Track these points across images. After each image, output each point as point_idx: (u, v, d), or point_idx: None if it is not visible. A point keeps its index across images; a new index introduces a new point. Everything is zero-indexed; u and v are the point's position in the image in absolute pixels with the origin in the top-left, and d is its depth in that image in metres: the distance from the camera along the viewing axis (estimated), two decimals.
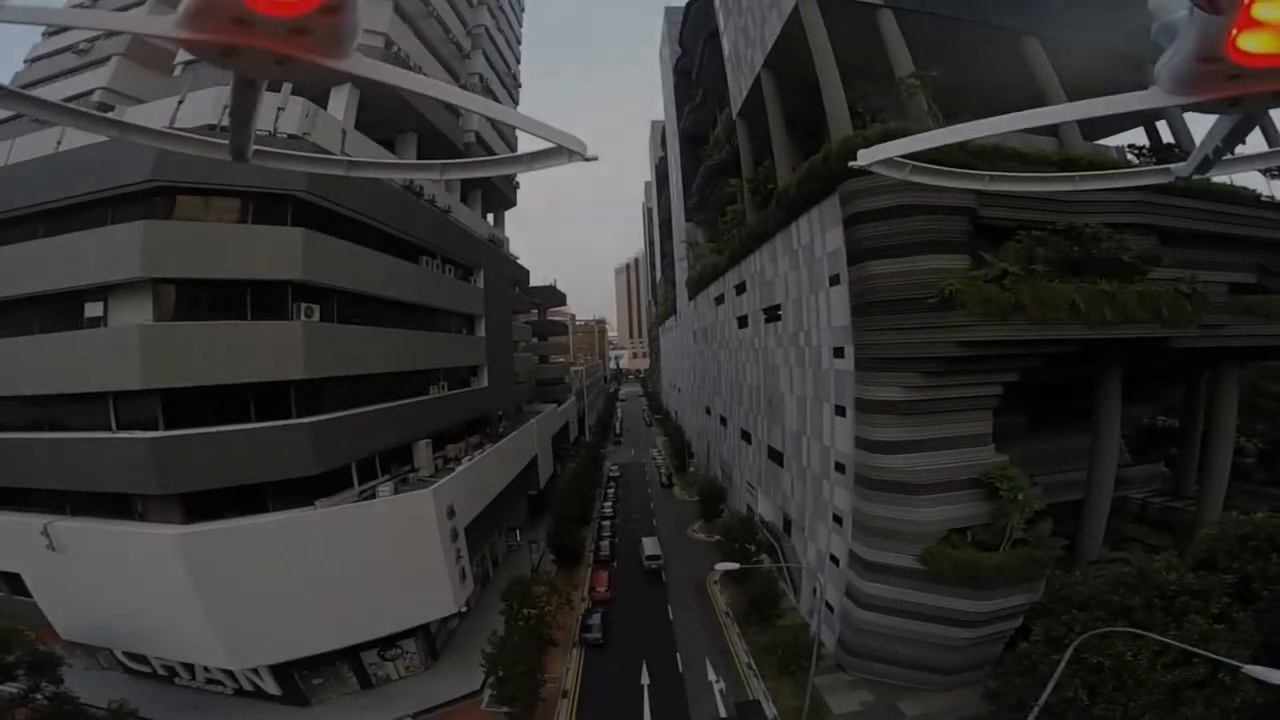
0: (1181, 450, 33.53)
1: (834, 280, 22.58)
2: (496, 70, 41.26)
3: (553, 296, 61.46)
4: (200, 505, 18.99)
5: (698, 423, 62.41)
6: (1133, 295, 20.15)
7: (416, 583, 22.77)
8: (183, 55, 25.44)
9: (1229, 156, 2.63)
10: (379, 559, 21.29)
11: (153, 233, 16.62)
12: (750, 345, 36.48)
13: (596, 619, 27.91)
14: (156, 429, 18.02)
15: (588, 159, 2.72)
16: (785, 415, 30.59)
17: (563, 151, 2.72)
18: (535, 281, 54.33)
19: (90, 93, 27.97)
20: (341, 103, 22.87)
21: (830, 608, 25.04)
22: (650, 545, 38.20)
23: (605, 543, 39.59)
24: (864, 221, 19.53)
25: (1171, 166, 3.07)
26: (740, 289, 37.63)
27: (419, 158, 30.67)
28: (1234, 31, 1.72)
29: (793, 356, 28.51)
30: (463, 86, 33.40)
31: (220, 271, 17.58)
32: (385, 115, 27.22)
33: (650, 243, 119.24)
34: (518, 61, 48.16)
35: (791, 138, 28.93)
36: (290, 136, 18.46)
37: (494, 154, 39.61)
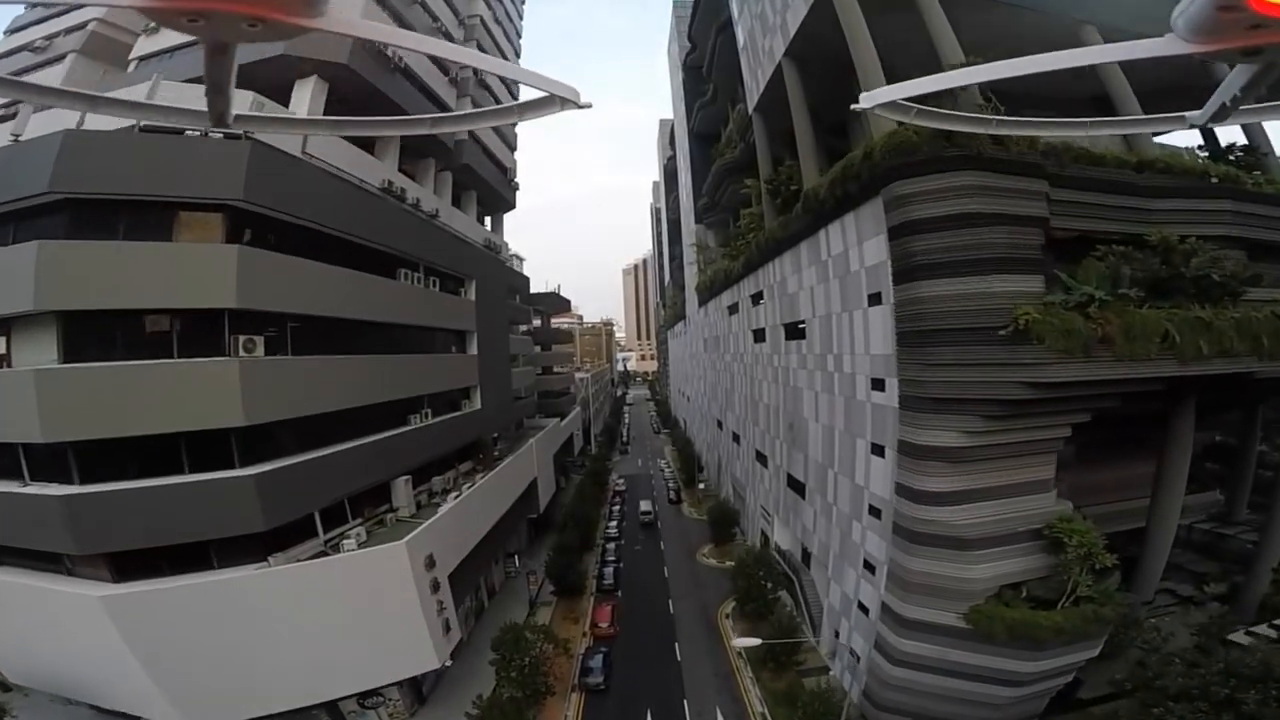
0: (1233, 475, 30.43)
1: (874, 299, 19.42)
2: None
3: (556, 303, 58.54)
4: (132, 560, 16.71)
5: (708, 435, 59.26)
6: (1230, 323, 16.99)
7: (393, 638, 20.27)
8: (137, 50, 22.89)
9: (1247, 106, 2.53)
10: (347, 616, 18.92)
11: (48, 256, 13.80)
12: (768, 362, 33.31)
13: (598, 660, 25.82)
14: (72, 482, 15.34)
15: (581, 106, 2.61)
16: (809, 444, 27.46)
17: (555, 100, 2.65)
18: (539, 285, 51.58)
19: None
20: (306, 96, 20.01)
21: (855, 655, 22.83)
22: (645, 504, 50.18)
23: (609, 569, 37.02)
24: (916, 232, 16.36)
25: (1188, 115, 2.88)
26: (757, 299, 34.47)
27: (404, 156, 27.80)
28: None
29: (819, 381, 25.34)
30: (453, 81, 30.49)
31: (137, 300, 14.78)
32: (363, 111, 24.35)
33: (658, 244, 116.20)
34: (517, 55, 45.27)
35: (815, 134, 25.79)
36: (227, 136, 15.57)
37: (488, 149, 36.83)
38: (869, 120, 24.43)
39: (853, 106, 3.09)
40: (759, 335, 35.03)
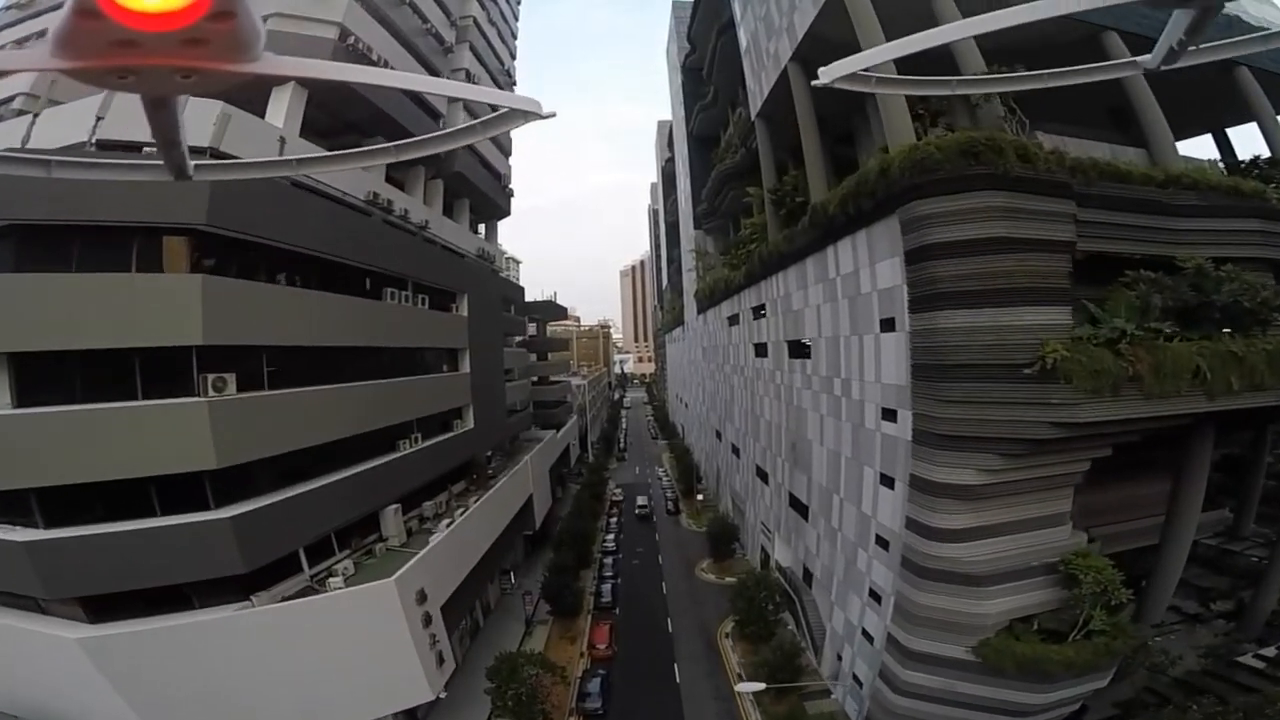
0: (1242, 489, 29.83)
1: (887, 325, 18.39)
2: (487, 66, 37.11)
3: (553, 311, 57.36)
4: (107, 600, 15.83)
5: (706, 444, 58.23)
6: (1261, 355, 16.21)
7: (384, 674, 19.31)
8: None
9: (1195, 48, 2.60)
10: (336, 654, 18.07)
11: None
12: (770, 378, 32.31)
13: (596, 684, 25.12)
14: (36, 526, 14.33)
15: (544, 117, 2.62)
16: (813, 467, 26.49)
17: (516, 114, 2.67)
18: (534, 288, 50.53)
19: (11, 99, 24.33)
20: (283, 107, 18.76)
21: (859, 682, 22.45)
22: (641, 499, 53.48)
23: (607, 586, 36.11)
24: (935, 257, 15.31)
25: (1138, 59, 2.97)
26: (759, 312, 33.42)
27: (392, 166, 26.67)
28: None
29: (825, 405, 24.32)
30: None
31: (93, 339, 13.49)
32: (348, 119, 23.21)
33: (656, 246, 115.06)
34: (513, 57, 43.96)
35: (822, 143, 24.70)
36: (190, 151, 14.32)
37: (482, 155, 35.64)
38: (880, 130, 23.36)
39: (813, 83, 2.97)
40: (760, 349, 34.02)
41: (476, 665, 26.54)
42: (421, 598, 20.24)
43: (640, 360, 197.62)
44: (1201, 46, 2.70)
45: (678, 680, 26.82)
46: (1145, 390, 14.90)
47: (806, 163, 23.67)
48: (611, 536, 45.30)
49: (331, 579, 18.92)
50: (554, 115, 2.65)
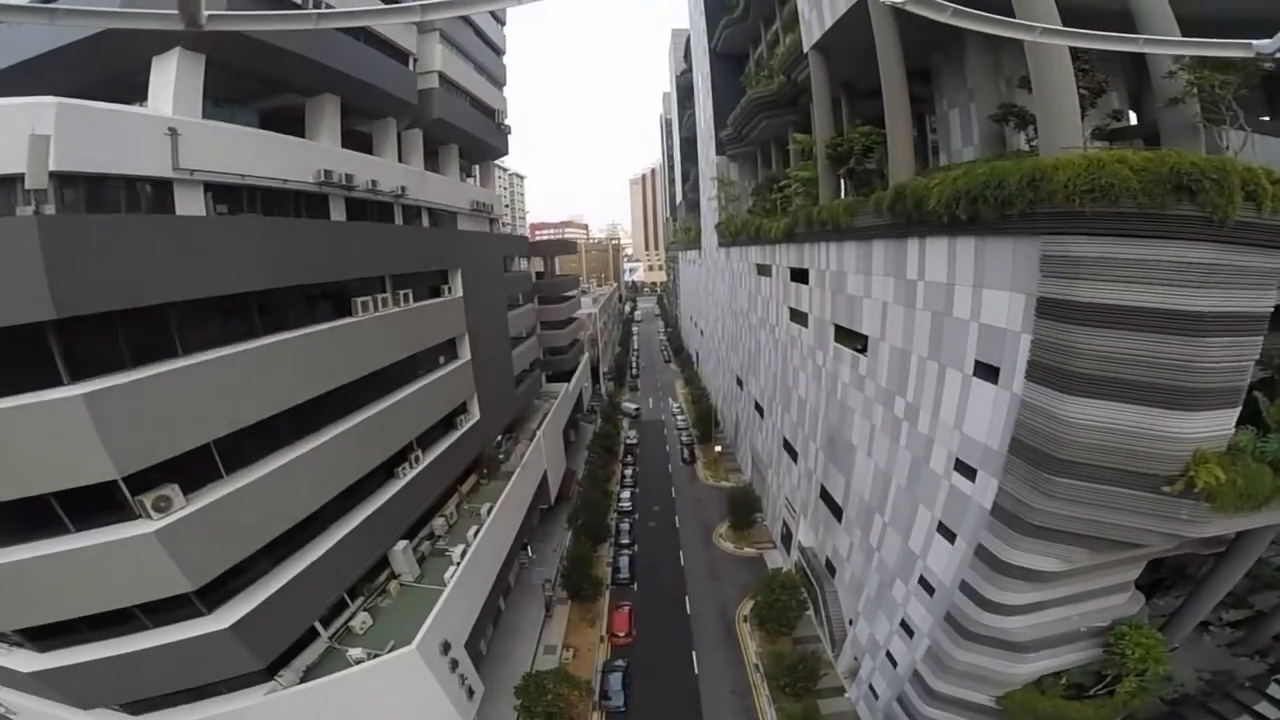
0: None
1: (985, 372, 14.66)
2: None
3: (562, 248, 52.09)
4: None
5: (725, 386, 55.43)
6: None
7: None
8: None
9: None
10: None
11: None
12: (809, 355, 28.71)
13: (617, 680, 25.24)
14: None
15: None
16: (854, 475, 23.96)
17: None
18: (539, 194, 44.94)
19: None
20: (169, 81, 13.38)
21: (875, 694, 22.60)
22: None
23: (624, 559, 35.37)
24: (1085, 322, 11.20)
25: (1255, 43, 3.28)
26: (800, 277, 28.93)
27: (354, 119, 21.40)
28: None
29: (879, 417, 21.13)
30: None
31: None
32: (281, 79, 17.65)
33: (668, 157, 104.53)
34: None
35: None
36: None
37: (474, 95, 29.55)
38: (978, 72, 17.85)
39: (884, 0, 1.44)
40: (799, 316, 29.99)
41: (499, 655, 26.39)
42: (445, 648, 18.91)
43: (650, 269, 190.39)
44: None
45: (696, 671, 26.54)
46: None
47: (889, 130, 18.17)
48: (627, 494, 43.92)
49: (351, 651, 17.28)
50: None
